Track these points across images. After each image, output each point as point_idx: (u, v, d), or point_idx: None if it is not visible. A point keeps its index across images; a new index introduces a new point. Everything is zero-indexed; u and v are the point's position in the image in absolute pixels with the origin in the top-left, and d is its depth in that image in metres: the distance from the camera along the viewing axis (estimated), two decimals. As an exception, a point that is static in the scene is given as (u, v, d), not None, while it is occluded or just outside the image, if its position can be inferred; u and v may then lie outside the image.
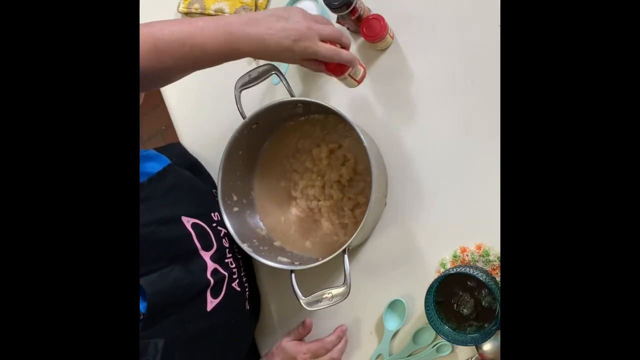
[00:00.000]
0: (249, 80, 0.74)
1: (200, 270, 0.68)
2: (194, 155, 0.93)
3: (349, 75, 0.68)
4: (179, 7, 0.97)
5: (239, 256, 0.79)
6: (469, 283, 0.65)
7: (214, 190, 0.82)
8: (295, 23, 0.60)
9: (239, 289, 0.75)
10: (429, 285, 0.64)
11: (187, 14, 0.96)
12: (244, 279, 0.78)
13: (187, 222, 0.69)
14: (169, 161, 0.76)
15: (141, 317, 0.58)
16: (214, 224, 0.75)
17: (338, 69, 0.65)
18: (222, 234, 0.76)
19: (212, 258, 0.71)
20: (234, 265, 0.76)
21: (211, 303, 0.68)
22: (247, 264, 0.81)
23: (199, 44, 0.58)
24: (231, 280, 0.74)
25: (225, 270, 0.73)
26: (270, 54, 0.61)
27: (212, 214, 0.76)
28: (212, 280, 0.68)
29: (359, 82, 0.71)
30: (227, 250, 0.76)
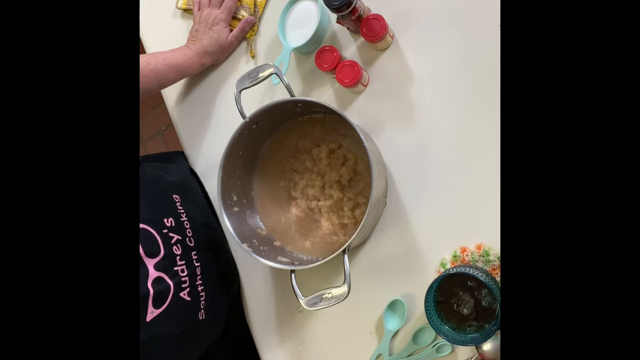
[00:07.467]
0: (249, 81, 0.74)
1: (140, 278, 0.66)
2: (192, 155, 0.93)
3: (360, 83, 0.76)
4: (177, 3, 0.97)
5: (198, 264, 0.77)
6: (469, 283, 0.65)
7: (174, 196, 0.80)
8: (213, 27, 0.88)
9: (189, 298, 0.74)
10: (429, 285, 0.64)
11: (186, 10, 0.96)
12: (200, 288, 0.77)
13: None
14: None
15: None
16: (165, 230, 0.74)
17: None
18: (173, 241, 0.74)
19: (157, 266, 0.69)
20: (185, 274, 0.74)
21: (152, 313, 0.67)
22: (209, 271, 0.79)
23: (187, 71, 0.88)
24: (179, 289, 0.72)
25: (171, 279, 0.71)
26: (224, 49, 0.91)
27: (165, 220, 0.75)
28: (151, 290, 0.67)
29: (366, 86, 0.78)
30: (178, 257, 0.74)
